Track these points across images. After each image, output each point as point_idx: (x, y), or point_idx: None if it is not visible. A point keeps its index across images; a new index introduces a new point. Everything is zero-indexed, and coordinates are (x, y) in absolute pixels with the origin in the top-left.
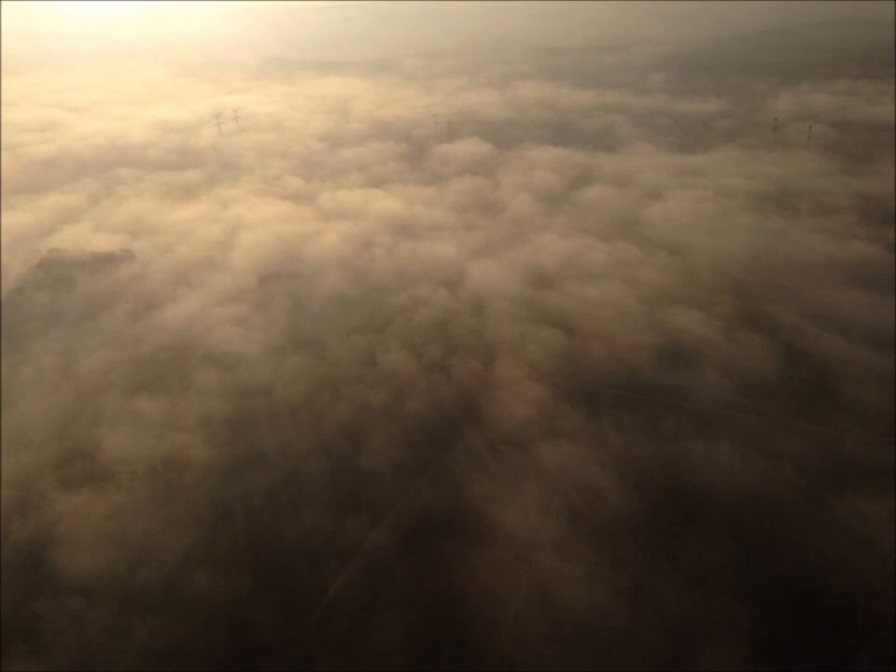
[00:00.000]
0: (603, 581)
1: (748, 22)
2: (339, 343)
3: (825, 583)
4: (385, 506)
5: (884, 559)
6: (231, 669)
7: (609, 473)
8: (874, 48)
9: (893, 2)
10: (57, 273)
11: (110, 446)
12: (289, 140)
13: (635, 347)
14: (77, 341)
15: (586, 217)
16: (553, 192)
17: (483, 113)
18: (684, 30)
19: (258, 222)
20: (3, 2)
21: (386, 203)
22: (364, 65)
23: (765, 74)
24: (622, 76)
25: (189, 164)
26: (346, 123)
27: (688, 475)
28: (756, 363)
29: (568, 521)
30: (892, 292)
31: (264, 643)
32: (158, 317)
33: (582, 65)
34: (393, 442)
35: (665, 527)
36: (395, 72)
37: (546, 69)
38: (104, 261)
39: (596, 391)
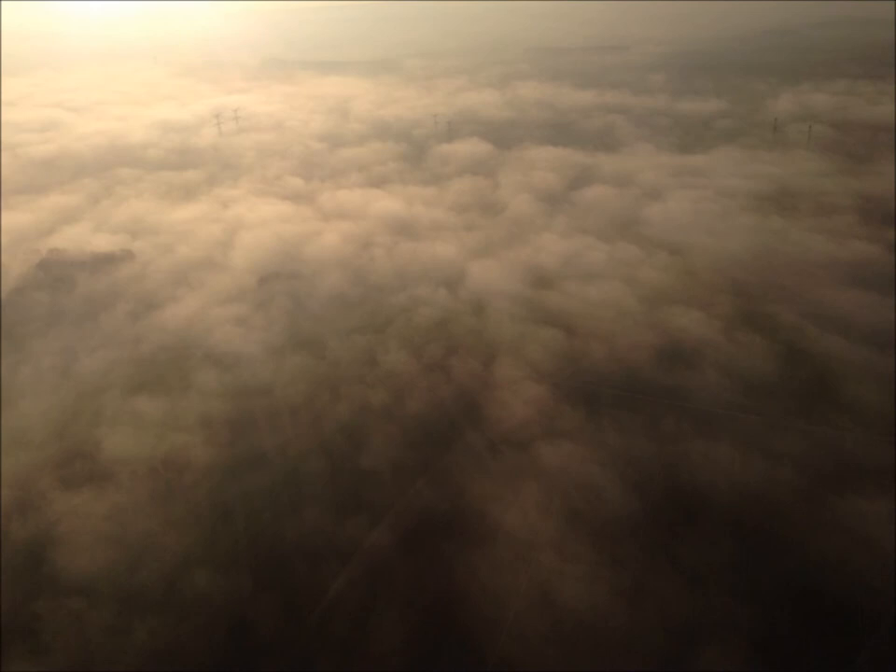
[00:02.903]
0: (603, 581)
1: (748, 22)
2: (339, 342)
3: (825, 583)
4: (385, 506)
5: (884, 559)
6: (231, 669)
7: (609, 473)
8: (874, 48)
9: (893, 2)
10: (57, 273)
11: (110, 446)
12: (289, 140)
13: (635, 347)
14: (77, 341)
15: (586, 216)
16: (553, 192)
17: (483, 113)
18: (684, 30)
19: (258, 222)
20: (3, 2)
21: (386, 203)
22: (364, 65)
23: (765, 74)
24: (622, 76)
25: (189, 164)
26: (346, 123)
27: (688, 475)
28: (756, 363)
29: (568, 521)
30: (892, 292)
31: (264, 643)
32: (158, 317)
33: (582, 65)
34: (393, 442)
35: (665, 527)
36: (395, 72)
37: (546, 69)
38: (104, 261)
39: (596, 391)
